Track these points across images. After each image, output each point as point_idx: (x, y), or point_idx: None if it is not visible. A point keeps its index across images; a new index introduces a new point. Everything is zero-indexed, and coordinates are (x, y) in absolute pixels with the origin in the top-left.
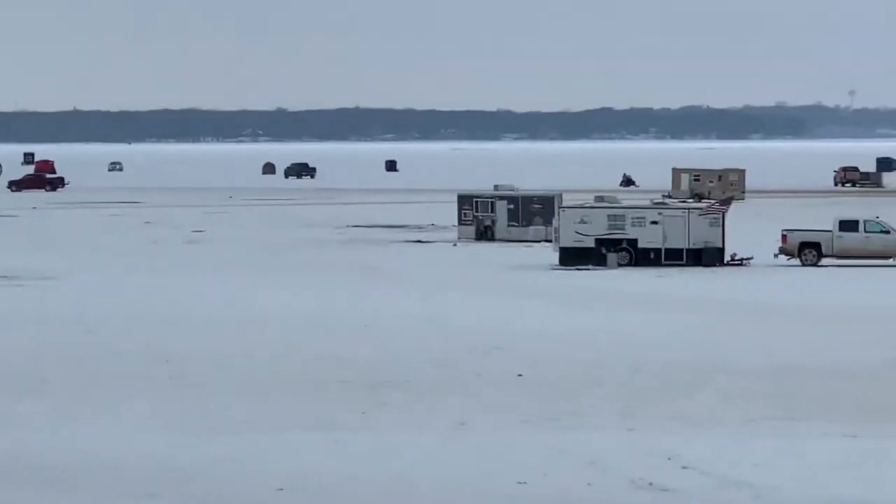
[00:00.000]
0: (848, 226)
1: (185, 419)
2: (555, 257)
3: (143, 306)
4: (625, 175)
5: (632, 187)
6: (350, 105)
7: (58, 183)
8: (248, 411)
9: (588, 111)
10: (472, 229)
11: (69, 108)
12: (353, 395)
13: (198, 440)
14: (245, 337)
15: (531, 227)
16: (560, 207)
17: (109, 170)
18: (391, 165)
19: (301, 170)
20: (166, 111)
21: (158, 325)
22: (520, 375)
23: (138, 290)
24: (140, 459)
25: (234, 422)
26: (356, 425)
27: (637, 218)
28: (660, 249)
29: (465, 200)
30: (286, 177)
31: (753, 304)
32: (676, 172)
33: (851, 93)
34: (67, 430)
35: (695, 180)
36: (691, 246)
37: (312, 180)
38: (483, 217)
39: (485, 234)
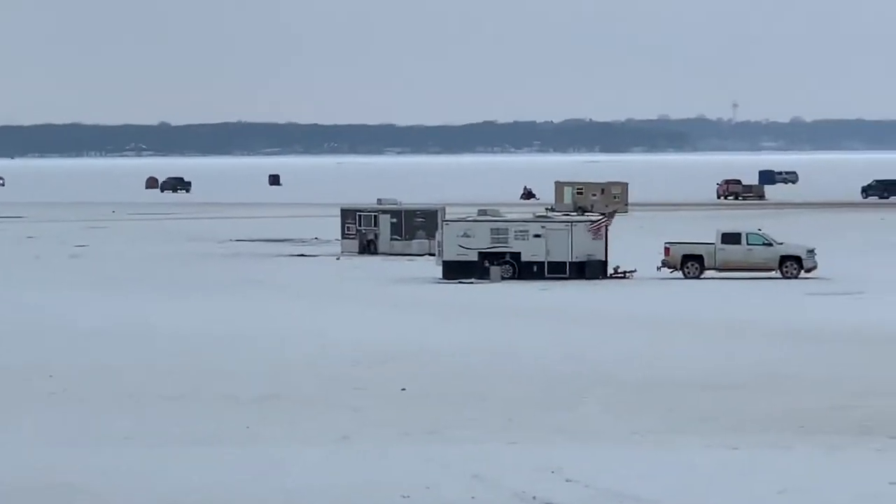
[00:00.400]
0: (730, 238)
1: (69, 433)
2: (438, 271)
3: (26, 321)
4: (525, 188)
5: (532, 200)
6: (233, 119)
7: None
8: (132, 426)
9: (471, 125)
10: (355, 243)
11: None
12: (237, 410)
13: (81, 454)
14: (129, 351)
15: (414, 241)
16: (443, 221)
17: None
18: (274, 179)
19: (176, 184)
20: (49, 126)
21: (42, 340)
22: (403, 389)
23: (21, 305)
24: (23, 473)
25: (117, 436)
26: (240, 440)
27: (520, 231)
28: (543, 263)
29: (348, 214)
30: (161, 191)
31: (636, 316)
32: (559, 186)
33: (734, 106)
34: None
35: (578, 193)
36: (574, 259)
37: (188, 194)
38: (366, 231)
39: (368, 247)
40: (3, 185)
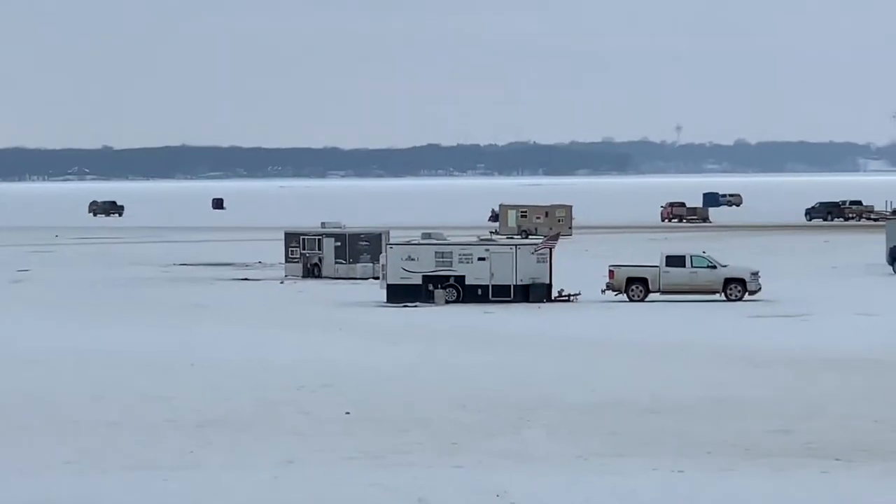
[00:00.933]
0: (674, 261)
1: (7, 460)
2: (382, 294)
3: None
4: (493, 210)
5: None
6: (176, 143)
7: None
8: (71, 452)
9: (414, 148)
10: (299, 267)
11: None
12: (179, 434)
13: (19, 482)
14: (68, 376)
15: (358, 265)
16: (387, 244)
17: None
18: (218, 203)
19: (109, 208)
20: None
21: None
22: (347, 413)
23: None
24: None
25: (56, 463)
26: (183, 464)
27: (464, 254)
28: (487, 286)
29: (292, 238)
30: (94, 215)
31: (579, 339)
32: (503, 209)
33: (677, 128)
34: None
35: (522, 216)
36: (519, 282)
37: (121, 218)
38: (310, 254)
39: (312, 271)
40: None
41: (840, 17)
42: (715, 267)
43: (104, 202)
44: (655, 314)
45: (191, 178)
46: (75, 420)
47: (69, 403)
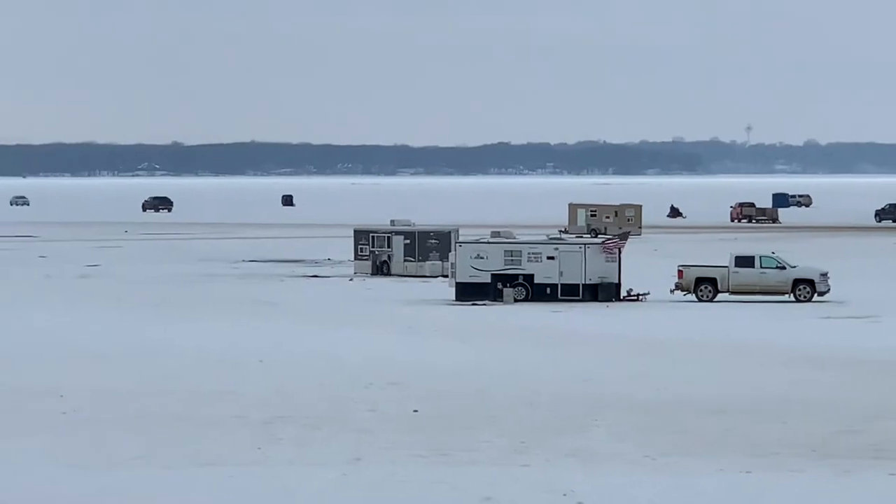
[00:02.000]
0: (744, 261)
1: (78, 454)
2: (451, 292)
3: (36, 342)
4: (672, 206)
5: (679, 218)
6: (246, 139)
7: None
8: (143, 446)
9: (485, 146)
10: (368, 264)
11: None
12: (248, 431)
13: (91, 475)
14: (139, 372)
15: (427, 262)
16: (456, 242)
17: (12, 203)
18: (287, 200)
19: (159, 203)
20: (62, 145)
21: (52, 361)
22: (415, 411)
23: (31, 326)
24: (32, 495)
25: (128, 457)
26: (251, 460)
27: (533, 253)
28: (556, 285)
29: (361, 235)
30: (144, 210)
31: (647, 339)
32: (573, 208)
33: (748, 128)
34: None
35: (591, 216)
36: (588, 281)
37: (169, 214)
38: (379, 252)
39: (381, 269)
40: (27, 204)
41: None
42: (784, 268)
43: (154, 198)
44: (724, 314)
45: (261, 175)
46: (144, 415)
47: (138, 399)
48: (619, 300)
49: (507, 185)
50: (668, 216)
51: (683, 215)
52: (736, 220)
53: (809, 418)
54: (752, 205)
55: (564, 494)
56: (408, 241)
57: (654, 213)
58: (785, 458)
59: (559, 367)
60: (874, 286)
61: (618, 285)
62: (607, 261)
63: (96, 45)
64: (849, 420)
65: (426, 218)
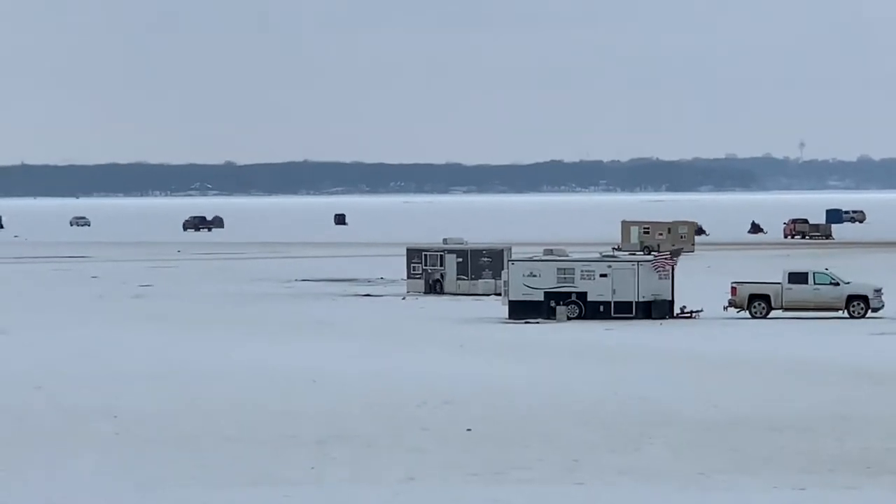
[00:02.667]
0: (797, 278)
1: (132, 474)
2: (504, 310)
3: (90, 362)
4: (753, 223)
5: (760, 234)
6: (298, 158)
7: None
8: (196, 466)
9: (537, 164)
10: (421, 283)
11: (17, 162)
12: (301, 450)
13: (144, 495)
14: (192, 391)
15: (480, 281)
16: (509, 260)
17: (72, 224)
18: (340, 219)
19: (199, 223)
20: (114, 165)
21: (105, 381)
22: (469, 430)
23: (85, 346)
24: None
25: (181, 476)
26: (305, 480)
27: (586, 271)
28: (609, 302)
29: (413, 254)
30: (184, 230)
31: (701, 356)
32: (626, 225)
33: (801, 145)
34: (16, 483)
35: (644, 233)
36: (640, 299)
37: (210, 233)
38: (432, 270)
39: (434, 287)
40: (88, 224)
41: None
42: (838, 284)
43: (195, 217)
44: (778, 331)
45: (313, 194)
46: (198, 435)
47: (191, 418)
48: (673, 317)
49: (559, 203)
50: (749, 232)
51: (765, 231)
52: (789, 237)
53: (864, 435)
54: (806, 221)
55: None
56: (460, 260)
57: (708, 231)
58: (840, 474)
59: (612, 384)
60: None
61: (671, 302)
62: (660, 278)
63: (149, 66)
64: None
65: (479, 236)
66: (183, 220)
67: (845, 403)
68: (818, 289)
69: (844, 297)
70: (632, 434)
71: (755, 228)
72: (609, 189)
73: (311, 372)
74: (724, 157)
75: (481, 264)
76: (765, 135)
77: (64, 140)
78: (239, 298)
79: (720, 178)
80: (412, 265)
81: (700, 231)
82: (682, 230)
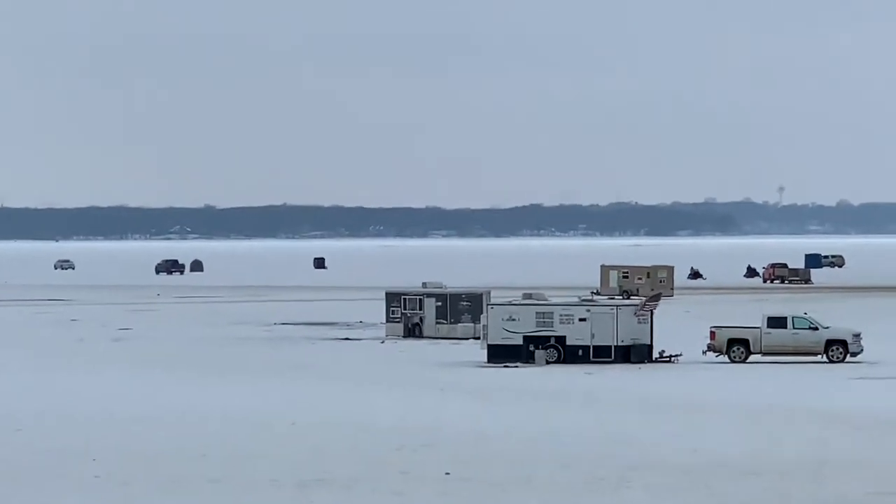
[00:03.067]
0: (776, 322)
1: None
2: (483, 354)
3: (69, 404)
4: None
5: (699, 280)
6: (278, 202)
7: None
8: None
9: (517, 208)
10: (400, 326)
11: None
12: (282, 493)
13: None
14: (172, 435)
15: (459, 325)
16: (488, 304)
17: (56, 268)
18: (319, 262)
19: (171, 266)
20: (94, 208)
21: (85, 424)
22: (447, 473)
23: (66, 389)
24: None
25: None
26: None
27: (565, 315)
28: (588, 346)
29: (393, 298)
30: (157, 273)
31: (681, 400)
32: (605, 269)
33: (780, 189)
34: None
35: (623, 277)
36: (619, 343)
37: (182, 276)
38: (411, 314)
39: (413, 331)
40: (72, 268)
41: None
42: (817, 328)
43: (166, 261)
44: (757, 376)
45: (293, 238)
46: (177, 479)
47: (172, 461)
48: (652, 361)
49: (538, 247)
50: (688, 277)
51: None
52: (768, 281)
53: (843, 480)
54: (785, 265)
55: None
56: (439, 304)
57: (686, 275)
58: None
59: (591, 428)
60: None
61: (650, 347)
62: (639, 322)
63: (129, 109)
64: (883, 482)
65: (458, 280)
66: (155, 264)
67: (824, 448)
68: (797, 333)
69: (823, 341)
70: (611, 478)
71: (695, 275)
72: (588, 233)
73: (290, 415)
74: (703, 201)
75: (460, 308)
76: (744, 179)
77: (43, 183)
78: (218, 342)
79: (699, 223)
80: (391, 309)
81: (697, 275)
82: (661, 274)
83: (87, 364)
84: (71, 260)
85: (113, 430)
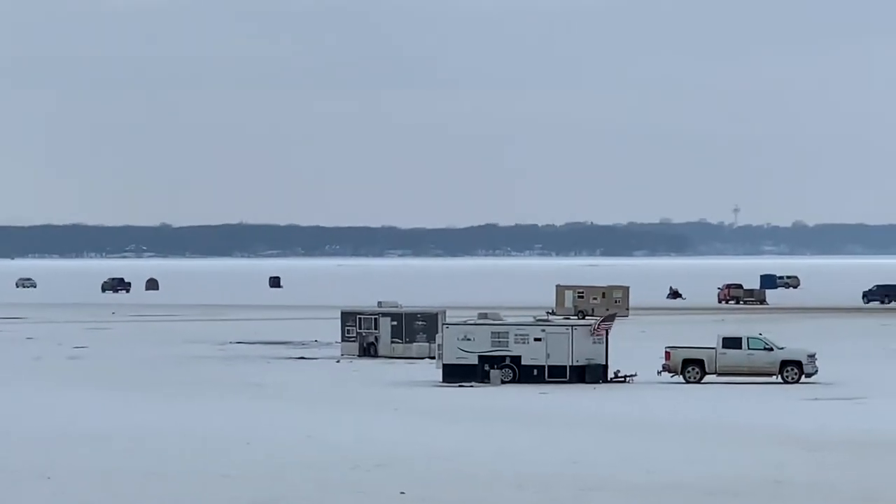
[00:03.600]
0: (731, 343)
1: None
2: (438, 374)
3: (24, 422)
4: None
5: (678, 300)
6: (234, 221)
7: None
8: None
9: (472, 227)
10: (355, 346)
11: None
12: None
13: None
14: (127, 454)
15: (415, 344)
16: (443, 324)
17: (17, 286)
18: (275, 282)
19: (116, 284)
20: (50, 226)
21: (39, 442)
22: (402, 493)
23: (21, 407)
24: None
25: None
26: None
27: (520, 335)
28: (543, 366)
29: (348, 317)
30: (103, 291)
31: (635, 421)
32: (560, 289)
33: (735, 210)
34: None
35: (579, 297)
36: (574, 363)
37: (128, 294)
38: (366, 333)
39: (368, 350)
40: (34, 286)
41: None
42: (772, 349)
43: (112, 279)
44: (711, 396)
45: (249, 257)
46: (133, 497)
47: (126, 481)
48: (607, 381)
49: (494, 267)
50: (667, 297)
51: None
52: (724, 302)
53: (797, 500)
54: (740, 286)
55: None
56: (395, 323)
57: (644, 295)
58: None
59: (547, 448)
60: (862, 367)
61: (605, 367)
62: (594, 342)
63: (86, 127)
64: (837, 502)
65: (413, 300)
66: (102, 282)
67: (779, 469)
68: (752, 354)
69: (778, 362)
70: (565, 498)
71: (674, 294)
72: (544, 253)
73: (246, 435)
74: (658, 221)
75: (416, 328)
76: (700, 200)
77: None
78: (173, 360)
79: (655, 243)
80: (346, 328)
81: (676, 294)
82: (617, 294)
83: (42, 382)
84: (33, 278)
85: (68, 448)
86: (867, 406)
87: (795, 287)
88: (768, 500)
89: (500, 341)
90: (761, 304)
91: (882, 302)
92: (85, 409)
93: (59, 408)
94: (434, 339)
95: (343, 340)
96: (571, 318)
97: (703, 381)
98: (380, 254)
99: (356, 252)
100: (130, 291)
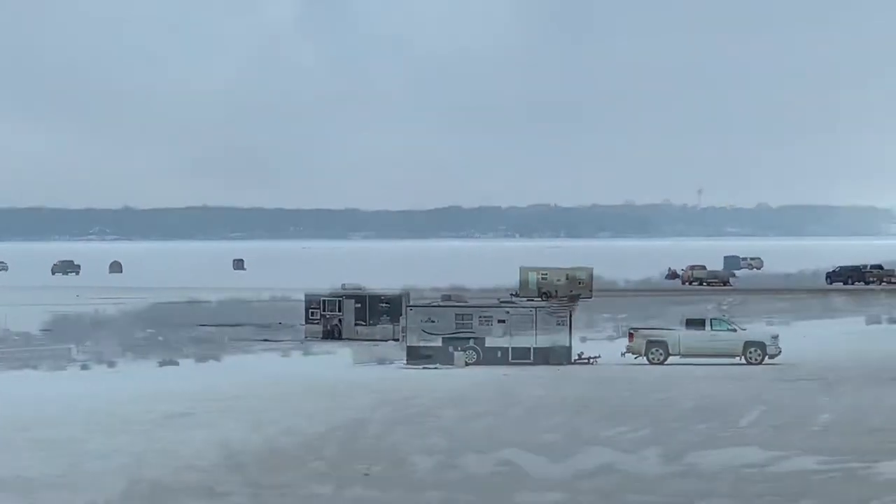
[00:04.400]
0: (694, 324)
1: None
2: (402, 356)
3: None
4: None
5: (677, 280)
6: (197, 203)
7: None
8: None
9: (436, 210)
10: (319, 328)
11: None
12: (196, 501)
13: None
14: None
15: (378, 326)
16: (407, 306)
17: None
18: (238, 264)
19: (67, 267)
20: (12, 210)
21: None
22: (366, 474)
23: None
24: None
25: None
26: None
27: (484, 317)
28: (507, 348)
29: (312, 299)
30: (53, 273)
31: (596, 401)
32: (524, 271)
33: (699, 192)
34: None
35: (542, 279)
36: (538, 345)
37: (77, 276)
38: (330, 316)
39: (332, 333)
40: (6, 269)
41: (866, 83)
42: (735, 330)
43: (63, 261)
44: (675, 376)
45: (212, 239)
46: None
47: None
48: (571, 363)
49: (458, 249)
50: (666, 277)
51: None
52: (687, 283)
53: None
54: (704, 267)
55: None
56: (359, 305)
57: (605, 277)
58: None
59: (506, 427)
60: (825, 348)
61: (569, 348)
62: (558, 324)
63: (48, 108)
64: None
65: (377, 282)
66: (52, 265)
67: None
68: (716, 335)
69: (742, 343)
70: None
71: (672, 275)
72: (508, 235)
73: (205, 417)
74: (622, 203)
75: (380, 310)
76: (663, 182)
77: None
78: (140, 342)
79: (618, 225)
80: (311, 311)
81: (675, 275)
82: (581, 276)
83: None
84: (5, 262)
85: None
86: (829, 386)
87: (759, 268)
88: (736, 485)
89: (463, 323)
90: (725, 285)
91: (845, 283)
92: (37, 393)
93: (20, 390)
94: (398, 321)
95: (307, 323)
96: (535, 299)
97: (666, 363)
98: (343, 236)
99: (319, 234)
100: (80, 274)
